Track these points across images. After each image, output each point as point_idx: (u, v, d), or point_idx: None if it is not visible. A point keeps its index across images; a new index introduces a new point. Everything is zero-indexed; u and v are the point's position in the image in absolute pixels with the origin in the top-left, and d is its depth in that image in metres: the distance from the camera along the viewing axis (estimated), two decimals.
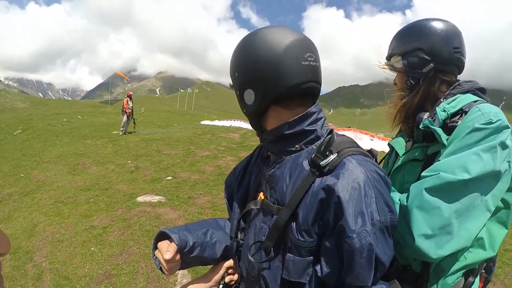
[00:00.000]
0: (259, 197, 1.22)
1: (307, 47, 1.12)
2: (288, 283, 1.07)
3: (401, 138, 1.63)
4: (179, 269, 1.29)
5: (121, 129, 17.55)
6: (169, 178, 8.76)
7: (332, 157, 1.04)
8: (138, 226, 6.03)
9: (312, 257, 1.04)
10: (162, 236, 1.27)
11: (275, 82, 1.09)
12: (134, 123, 18.71)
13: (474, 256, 1.29)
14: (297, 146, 1.15)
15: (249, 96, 1.15)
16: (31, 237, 6.15)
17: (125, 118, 17.76)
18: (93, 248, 5.46)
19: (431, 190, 1.18)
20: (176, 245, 1.20)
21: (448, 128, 1.34)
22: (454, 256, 1.27)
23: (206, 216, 6.37)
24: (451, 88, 1.50)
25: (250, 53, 1.12)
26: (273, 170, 1.19)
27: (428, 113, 1.45)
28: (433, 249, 1.16)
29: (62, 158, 12.07)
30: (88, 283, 4.61)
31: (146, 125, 22.39)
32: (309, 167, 1.08)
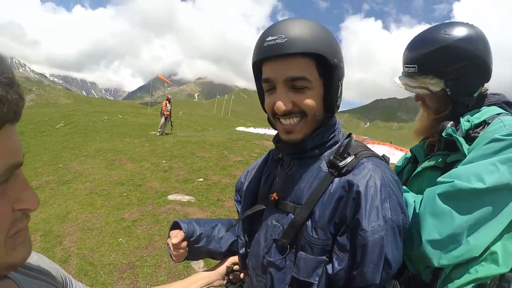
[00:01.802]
0: (272, 198, 1.22)
1: None
2: (296, 282, 1.07)
3: (423, 145, 1.58)
4: (188, 259, 1.41)
5: (159, 130, 18.03)
6: (201, 179, 8.85)
7: (350, 158, 1.07)
8: (166, 222, 6.14)
9: (324, 257, 1.05)
10: (175, 226, 1.42)
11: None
12: (172, 125, 19.19)
13: (486, 270, 1.21)
14: (316, 151, 1.16)
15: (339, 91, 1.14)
16: (63, 223, 6.40)
17: (163, 119, 18.27)
18: (120, 239, 5.62)
19: (445, 197, 1.16)
20: (184, 233, 1.34)
21: (471, 138, 1.31)
22: (465, 268, 1.21)
23: None
24: (478, 101, 1.44)
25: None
26: (290, 171, 1.20)
27: (452, 122, 1.39)
28: (437, 256, 1.14)
29: (100, 153, 12.53)
30: (112, 271, 4.74)
31: (183, 128, 22.86)
32: (327, 168, 1.11)
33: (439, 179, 1.23)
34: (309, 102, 1.06)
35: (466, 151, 1.26)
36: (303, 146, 1.14)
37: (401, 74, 1.55)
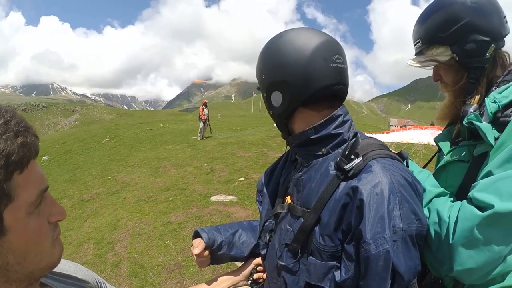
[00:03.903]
0: (286, 201, 1.22)
1: (335, 49, 1.11)
2: (309, 285, 1.07)
3: (447, 133, 1.40)
4: (212, 264, 1.44)
5: (199, 134, 18.41)
6: (242, 179, 9.01)
7: (357, 161, 1.01)
8: (210, 223, 6.32)
9: (334, 262, 1.02)
10: (197, 234, 1.42)
11: (302, 85, 1.08)
12: (210, 128, 19.53)
13: None
14: (323, 150, 1.13)
15: (276, 98, 1.15)
16: (114, 230, 6.78)
17: (201, 124, 18.63)
18: (168, 241, 5.87)
19: (484, 227, 0.97)
20: (204, 242, 1.34)
21: (500, 123, 1.11)
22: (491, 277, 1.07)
23: None
24: (505, 74, 1.24)
25: (277, 55, 1.11)
26: (300, 174, 1.19)
27: (475, 105, 1.21)
28: (469, 279, 1.04)
29: (145, 162, 13.03)
30: (160, 271, 4.98)
31: (222, 130, 23.16)
32: (334, 171, 1.06)
33: (474, 195, 1.02)
34: None
35: (492, 141, 1.07)
36: (305, 136, 1.14)
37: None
